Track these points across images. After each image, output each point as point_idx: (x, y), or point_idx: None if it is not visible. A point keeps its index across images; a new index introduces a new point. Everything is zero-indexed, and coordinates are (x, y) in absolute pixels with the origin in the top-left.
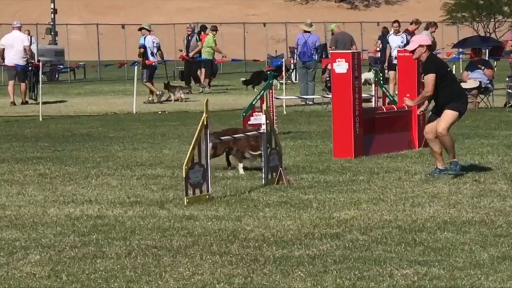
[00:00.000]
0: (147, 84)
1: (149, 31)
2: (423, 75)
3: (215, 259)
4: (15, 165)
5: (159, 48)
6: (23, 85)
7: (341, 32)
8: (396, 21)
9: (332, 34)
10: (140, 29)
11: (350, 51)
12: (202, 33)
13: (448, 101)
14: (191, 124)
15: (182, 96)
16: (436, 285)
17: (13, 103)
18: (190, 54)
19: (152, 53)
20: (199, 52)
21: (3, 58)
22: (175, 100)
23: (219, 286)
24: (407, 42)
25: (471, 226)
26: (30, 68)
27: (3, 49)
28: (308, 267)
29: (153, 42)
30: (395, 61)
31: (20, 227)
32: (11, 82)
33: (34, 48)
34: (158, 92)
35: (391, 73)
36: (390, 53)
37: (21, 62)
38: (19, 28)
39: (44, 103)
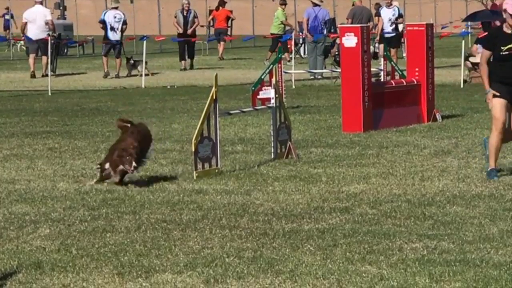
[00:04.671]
0: (103, 58)
1: (116, 8)
2: None
3: (224, 233)
4: (24, 139)
5: (124, 23)
6: (45, 58)
7: (361, 6)
8: None
9: (353, 5)
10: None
11: (359, 25)
12: (221, 8)
13: None
14: (200, 99)
15: (147, 70)
16: (445, 259)
17: (33, 76)
18: (189, 31)
19: (112, 28)
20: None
21: (23, 32)
22: (146, 75)
23: (229, 260)
24: (399, 15)
25: (481, 200)
26: (52, 41)
27: (26, 23)
28: (318, 241)
29: (115, 17)
30: (386, 35)
31: (29, 201)
32: (32, 55)
33: None
34: (106, 70)
35: (381, 47)
36: (382, 27)
37: (44, 35)
38: (41, 3)
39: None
